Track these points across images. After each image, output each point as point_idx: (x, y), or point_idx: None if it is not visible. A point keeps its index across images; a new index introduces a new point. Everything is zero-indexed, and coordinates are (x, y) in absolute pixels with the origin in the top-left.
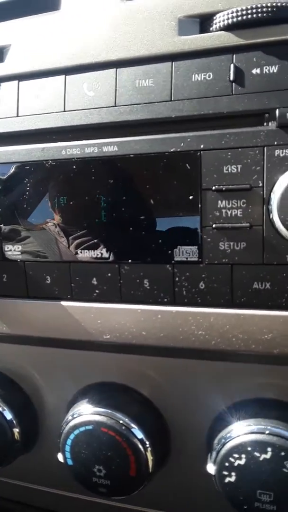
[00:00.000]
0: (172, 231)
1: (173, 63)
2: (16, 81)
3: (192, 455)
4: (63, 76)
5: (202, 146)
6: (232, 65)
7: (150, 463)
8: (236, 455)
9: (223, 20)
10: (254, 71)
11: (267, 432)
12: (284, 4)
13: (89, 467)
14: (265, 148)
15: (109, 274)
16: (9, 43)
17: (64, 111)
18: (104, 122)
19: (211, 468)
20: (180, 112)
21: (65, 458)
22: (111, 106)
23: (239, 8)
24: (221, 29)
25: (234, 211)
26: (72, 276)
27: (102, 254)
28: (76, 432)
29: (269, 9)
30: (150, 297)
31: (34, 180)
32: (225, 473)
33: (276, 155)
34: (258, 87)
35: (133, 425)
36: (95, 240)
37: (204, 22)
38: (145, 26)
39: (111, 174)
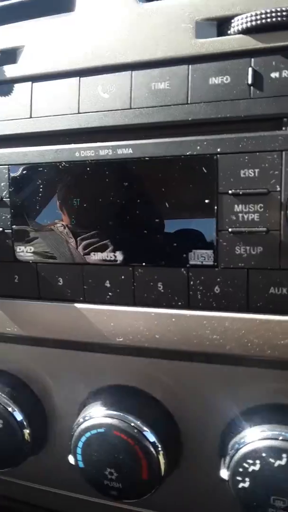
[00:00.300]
0: (187, 235)
1: (190, 66)
2: (30, 83)
3: (205, 459)
4: (78, 78)
5: (219, 149)
6: (250, 69)
7: (162, 467)
8: (250, 461)
9: (242, 24)
10: (272, 75)
11: (281, 438)
12: None
13: (100, 470)
14: (284, 153)
15: (122, 277)
16: (22, 44)
17: (78, 113)
18: (119, 125)
19: (224, 474)
20: (196, 115)
21: (76, 460)
22: (126, 109)
23: (258, 12)
24: (239, 32)
25: (251, 216)
26: (85, 278)
27: (115, 256)
28: (88, 434)
29: None
30: (164, 301)
31: (47, 181)
32: (239, 478)
33: None
34: (276, 91)
35: (145, 428)
36: (109, 243)
37: (221, 25)
38: (161, 28)
39: (125, 177)
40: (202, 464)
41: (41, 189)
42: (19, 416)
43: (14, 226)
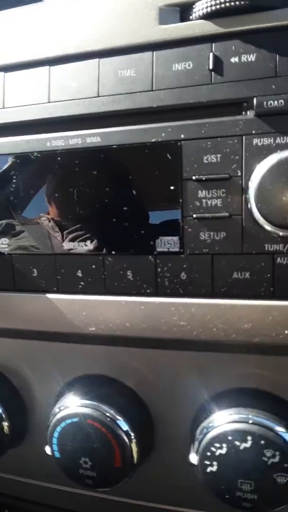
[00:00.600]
0: (154, 222)
1: (154, 52)
2: (2, 73)
3: (177, 446)
4: (47, 67)
5: (182, 136)
6: (211, 54)
7: (135, 455)
8: (217, 445)
9: (202, 9)
10: (232, 60)
11: (249, 421)
12: None
13: (75, 459)
14: (244, 137)
15: (93, 266)
16: None
17: (49, 102)
18: (87, 113)
19: (193, 458)
20: (161, 102)
21: (52, 450)
22: (94, 97)
23: None
24: (200, 17)
25: (214, 201)
26: (57, 268)
27: (86, 245)
28: (63, 424)
29: None
30: (134, 289)
31: (19, 172)
32: (207, 462)
33: (254, 144)
34: (236, 76)
35: (118, 417)
36: (79, 232)
37: (184, 11)
38: (126, 15)
39: (94, 166)
40: (175, 451)
41: (13, 180)
42: None
43: None
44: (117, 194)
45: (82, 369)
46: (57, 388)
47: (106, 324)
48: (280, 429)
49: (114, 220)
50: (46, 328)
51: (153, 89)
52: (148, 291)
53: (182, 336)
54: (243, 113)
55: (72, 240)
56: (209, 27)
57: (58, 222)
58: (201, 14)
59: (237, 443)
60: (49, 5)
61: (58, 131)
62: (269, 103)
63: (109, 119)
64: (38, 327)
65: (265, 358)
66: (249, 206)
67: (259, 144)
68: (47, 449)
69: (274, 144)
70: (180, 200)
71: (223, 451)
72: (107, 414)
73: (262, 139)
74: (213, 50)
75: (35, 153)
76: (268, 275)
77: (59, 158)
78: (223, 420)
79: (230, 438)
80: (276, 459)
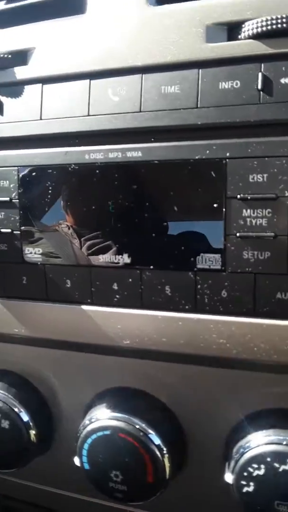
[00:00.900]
0: (195, 239)
1: (200, 70)
2: (40, 84)
3: (209, 463)
4: (88, 80)
5: (228, 154)
6: (260, 74)
7: (167, 470)
8: (255, 465)
9: (252, 29)
10: (282, 81)
11: (285, 443)
12: None
13: (105, 472)
14: None
15: (130, 280)
16: (33, 46)
17: (88, 115)
18: (128, 128)
19: (229, 477)
20: (206, 120)
21: (81, 462)
22: (136, 112)
23: (268, 17)
24: (249, 37)
25: (259, 220)
26: (92, 280)
27: (123, 259)
28: (94, 436)
29: None
30: (171, 304)
31: (57, 183)
32: (244, 482)
33: None
34: (286, 97)
35: (150, 431)
36: (117, 246)
37: (232, 30)
38: (172, 32)
39: (134, 180)
40: (207, 468)
41: (50, 191)
42: (25, 417)
43: (23, 228)
44: (158, 209)
45: (113, 382)
46: (86, 399)
47: (141, 338)
48: None
49: (154, 235)
50: (79, 339)
51: (198, 106)
52: (187, 307)
53: (221, 354)
54: None
55: (110, 253)
56: (259, 47)
57: (94, 236)
58: (250, 34)
59: (276, 464)
60: (91, 17)
61: (96, 144)
62: None
63: (150, 134)
64: (71, 338)
65: None
66: None
67: None
68: (76, 460)
69: None
70: (223, 218)
71: (261, 472)
72: (139, 428)
73: None
74: (262, 70)
75: (73, 165)
76: None
77: (97, 171)
78: (261, 441)
79: (268, 459)
80: None
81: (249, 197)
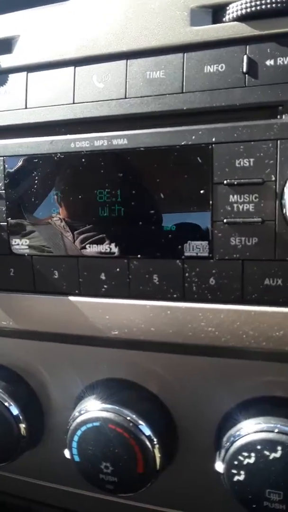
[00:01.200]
0: (182, 226)
1: (185, 54)
2: (25, 73)
3: (200, 452)
4: (72, 67)
5: (214, 139)
6: (245, 57)
7: (158, 460)
8: (245, 454)
9: (237, 11)
10: (268, 63)
11: (276, 430)
12: None
13: (96, 463)
14: (279, 141)
15: (117, 269)
16: (17, 34)
17: (74, 103)
18: (114, 115)
19: (219, 467)
20: (191, 105)
21: (72, 454)
22: (121, 98)
23: None
24: (234, 19)
25: (246, 206)
26: (80, 271)
27: (110, 249)
28: (83, 428)
29: None
30: (159, 293)
31: (42, 173)
32: (234, 471)
33: None
34: (272, 79)
35: (140, 422)
36: (104, 235)
37: (217, 12)
38: (156, 16)
39: (120, 168)
40: (198, 457)
41: (36, 181)
42: (15, 411)
43: (9, 219)
44: (144, 197)
45: (102, 373)
46: (76, 391)
47: (130, 328)
48: None
49: (140, 223)
50: (68, 331)
51: (183, 91)
52: (175, 295)
53: (210, 342)
54: (278, 116)
55: (98, 243)
56: (244, 29)
57: (80, 225)
58: (235, 16)
59: (267, 452)
60: (75, 3)
61: (82, 132)
62: None
63: (136, 121)
64: (59, 330)
65: None
66: (283, 212)
67: None
68: (66, 453)
69: None
70: (210, 204)
71: (251, 460)
72: (129, 419)
73: None
74: (247, 52)
75: (59, 154)
76: None
77: (83, 160)
78: (251, 429)
79: (259, 447)
80: None
81: (235, 182)
